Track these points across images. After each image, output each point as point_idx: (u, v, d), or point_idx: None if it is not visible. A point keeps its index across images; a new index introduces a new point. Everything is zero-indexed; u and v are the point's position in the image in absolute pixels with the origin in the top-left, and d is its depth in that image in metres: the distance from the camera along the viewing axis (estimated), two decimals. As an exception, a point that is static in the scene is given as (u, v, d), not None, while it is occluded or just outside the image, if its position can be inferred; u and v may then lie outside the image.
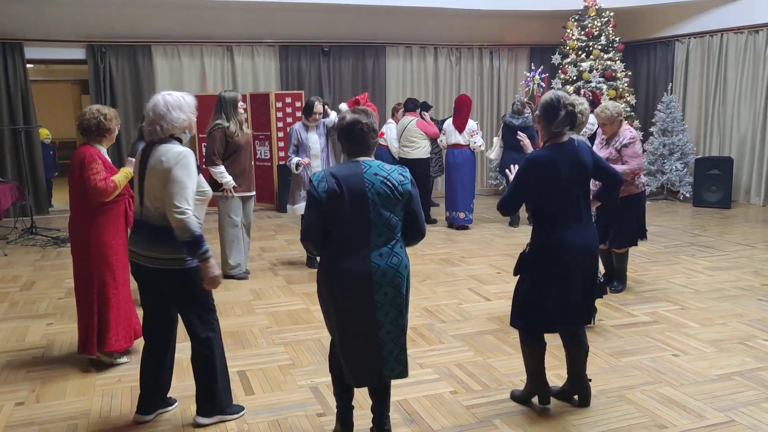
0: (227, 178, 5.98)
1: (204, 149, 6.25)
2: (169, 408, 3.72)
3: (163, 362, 3.58)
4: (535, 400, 3.70)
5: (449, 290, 5.93)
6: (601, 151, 5.41)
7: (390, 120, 9.26)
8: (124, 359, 4.47)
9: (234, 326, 5.07)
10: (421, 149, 9.12)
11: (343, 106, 6.34)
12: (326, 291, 3.05)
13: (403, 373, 3.11)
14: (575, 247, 3.41)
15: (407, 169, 3.12)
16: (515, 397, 3.76)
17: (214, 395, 3.53)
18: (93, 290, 4.27)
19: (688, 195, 10.48)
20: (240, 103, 6.15)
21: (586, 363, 3.67)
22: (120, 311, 4.36)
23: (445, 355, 4.45)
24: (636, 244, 5.67)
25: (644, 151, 10.77)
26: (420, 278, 6.33)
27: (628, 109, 11.02)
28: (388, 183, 2.96)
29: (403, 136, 9.28)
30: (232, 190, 6.04)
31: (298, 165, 6.47)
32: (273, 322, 5.17)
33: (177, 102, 3.36)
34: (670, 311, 5.29)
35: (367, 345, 3.02)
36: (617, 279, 5.77)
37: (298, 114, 10.57)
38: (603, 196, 3.94)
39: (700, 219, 9.23)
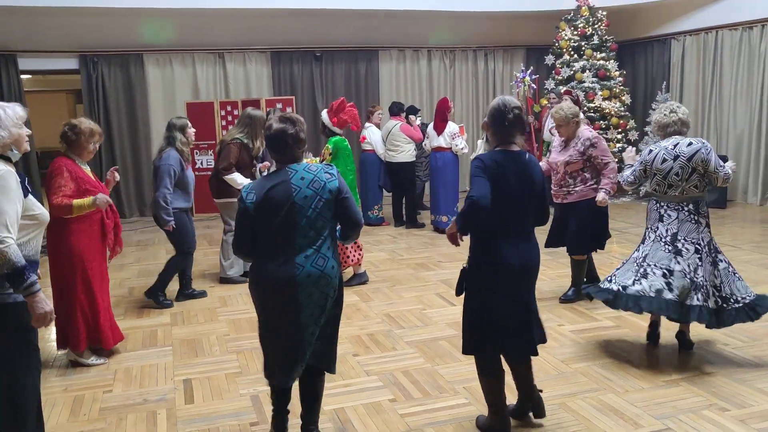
0: (247, 181, 6.02)
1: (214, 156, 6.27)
2: None
3: None
4: None
5: (417, 295, 5.89)
6: (560, 154, 5.33)
7: (368, 123, 9.22)
8: (101, 360, 4.55)
9: (193, 334, 5.09)
10: (406, 153, 9.09)
11: (324, 114, 6.33)
12: (255, 293, 3.14)
13: (328, 364, 3.24)
14: (515, 264, 3.21)
15: (334, 167, 3.20)
16: (479, 425, 3.50)
17: None
18: (66, 293, 4.37)
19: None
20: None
21: (532, 375, 3.49)
22: (88, 315, 4.43)
23: (394, 362, 4.41)
24: (595, 251, 5.57)
25: (639, 151, 10.60)
26: (390, 284, 6.31)
27: (623, 108, 10.90)
28: (314, 184, 3.04)
29: (388, 140, 9.26)
30: None
31: (260, 170, 6.47)
32: (233, 329, 5.17)
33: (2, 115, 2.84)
34: (636, 316, 5.16)
35: (291, 344, 3.08)
36: (572, 287, 5.60)
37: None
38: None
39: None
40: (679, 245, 4.16)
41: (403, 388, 4.00)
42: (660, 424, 3.46)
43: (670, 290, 4.07)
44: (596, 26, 10.91)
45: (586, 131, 5.28)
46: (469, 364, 4.18)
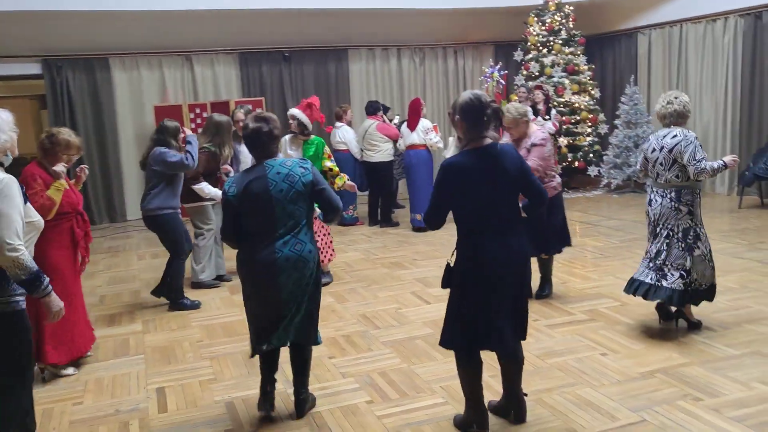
0: (215, 190, 5.98)
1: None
2: None
3: None
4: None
5: (392, 295, 5.86)
6: None
7: (338, 123, 9.16)
8: (69, 371, 4.45)
9: (165, 341, 5.01)
10: (383, 152, 9.06)
11: (296, 111, 6.26)
12: (241, 273, 3.55)
13: (309, 341, 3.60)
14: (497, 259, 3.17)
15: (308, 161, 3.53)
16: (456, 423, 3.49)
17: None
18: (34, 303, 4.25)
19: (654, 187, 10.40)
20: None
21: (520, 376, 3.45)
22: (56, 325, 4.32)
23: (370, 363, 4.38)
24: (560, 251, 5.51)
25: (610, 144, 10.72)
26: (365, 284, 6.27)
27: (592, 102, 10.99)
28: (289, 178, 3.39)
29: (365, 140, 9.22)
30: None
31: (225, 174, 6.35)
32: (206, 335, 5.10)
33: None
34: (610, 308, 5.23)
35: (273, 318, 3.47)
36: (543, 284, 5.61)
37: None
38: (527, 211, 3.53)
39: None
40: (657, 229, 4.53)
41: (380, 390, 3.97)
42: (636, 417, 3.47)
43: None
44: (564, 21, 11.00)
45: (538, 132, 5.16)
46: (446, 363, 4.20)
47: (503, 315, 3.24)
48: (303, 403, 3.65)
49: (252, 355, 3.60)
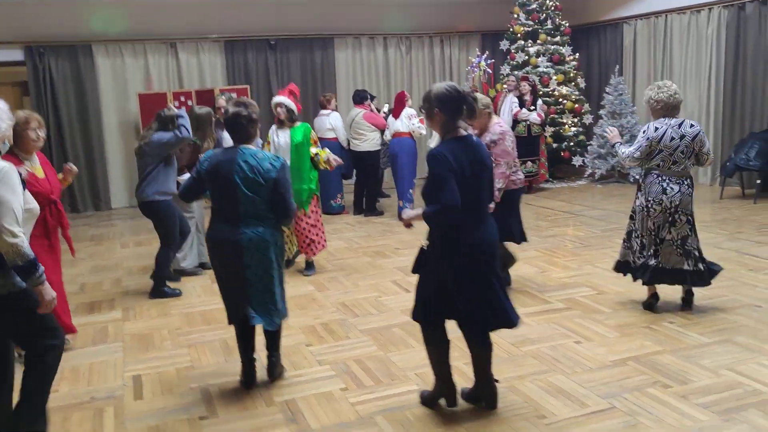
0: None
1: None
2: None
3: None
4: (444, 402, 3.55)
5: (373, 283, 5.89)
6: None
7: (325, 111, 9.11)
8: None
9: (145, 329, 5.02)
10: (370, 141, 9.07)
11: (283, 99, 6.24)
12: (210, 253, 3.81)
13: (269, 324, 3.78)
14: (474, 246, 3.26)
15: (281, 160, 3.67)
16: (423, 398, 3.59)
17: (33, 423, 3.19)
18: None
19: (638, 177, 10.45)
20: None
21: (490, 362, 3.49)
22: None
23: (347, 351, 4.41)
24: (517, 243, 5.44)
25: (594, 134, 10.76)
26: (346, 272, 6.29)
27: (577, 92, 11.02)
28: (255, 170, 3.57)
29: (351, 128, 9.22)
30: None
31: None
32: (185, 323, 5.11)
33: None
34: (587, 296, 5.28)
35: (239, 295, 3.72)
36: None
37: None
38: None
39: (646, 201, 9.21)
40: (676, 216, 4.65)
41: (355, 377, 4.00)
42: (606, 404, 3.52)
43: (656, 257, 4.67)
44: (549, 11, 11.01)
45: (496, 126, 5.11)
46: (422, 350, 4.17)
47: (475, 298, 3.32)
48: (274, 365, 3.92)
49: (237, 336, 3.88)
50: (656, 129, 4.58)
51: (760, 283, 5.35)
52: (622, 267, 4.97)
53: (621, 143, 4.90)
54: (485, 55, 10.99)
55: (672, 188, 4.62)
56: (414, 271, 3.45)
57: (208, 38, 10.84)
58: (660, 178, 4.65)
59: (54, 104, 10.15)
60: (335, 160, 6.19)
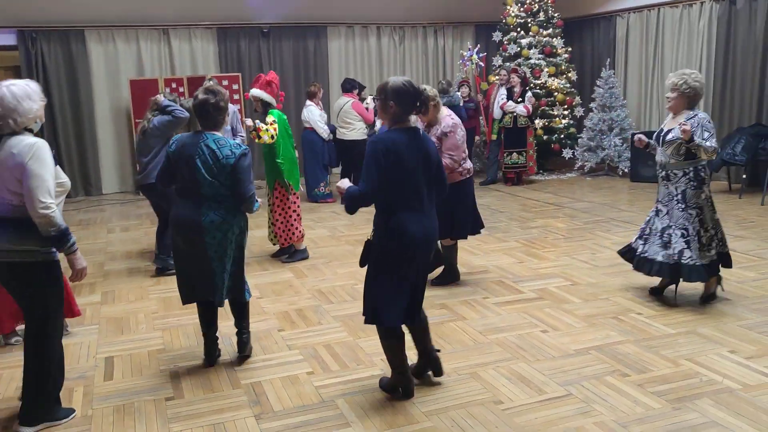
0: None
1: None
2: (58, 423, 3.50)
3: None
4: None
5: (351, 271, 5.94)
6: None
7: (309, 102, 9.13)
8: (14, 339, 4.50)
9: (121, 312, 5.09)
10: (357, 130, 9.13)
11: (256, 92, 6.27)
12: (173, 231, 3.89)
13: (240, 296, 4.00)
14: (416, 235, 3.32)
15: (242, 147, 3.79)
16: (382, 385, 3.68)
17: (46, 402, 3.40)
18: None
19: (626, 170, 10.52)
20: None
21: (428, 334, 3.68)
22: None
23: (318, 336, 4.48)
24: (465, 237, 5.37)
25: (585, 127, 10.78)
26: (326, 260, 6.36)
27: (568, 85, 11.04)
28: (213, 155, 3.70)
29: (339, 116, 9.27)
30: None
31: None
32: (162, 307, 5.18)
33: (25, 92, 3.22)
34: (560, 287, 5.34)
35: (201, 272, 3.84)
36: (446, 272, 5.45)
37: (236, 97, 10.53)
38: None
39: (632, 194, 9.27)
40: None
41: (322, 361, 4.08)
42: (563, 390, 3.59)
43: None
44: (542, 3, 11.01)
45: (447, 118, 5.01)
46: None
47: (417, 288, 3.44)
48: (245, 342, 4.08)
49: (184, 302, 3.99)
50: (710, 120, 4.58)
51: (732, 276, 5.39)
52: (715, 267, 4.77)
53: (686, 168, 4.62)
54: (477, 48, 11.00)
55: (706, 180, 4.67)
56: (362, 264, 3.50)
57: (200, 25, 10.86)
58: (705, 170, 4.66)
59: (46, 89, 10.16)
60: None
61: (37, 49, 10.07)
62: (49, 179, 3.12)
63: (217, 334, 4.11)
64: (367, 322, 3.49)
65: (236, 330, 4.12)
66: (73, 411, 3.55)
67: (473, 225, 5.37)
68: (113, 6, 10.27)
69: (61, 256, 3.31)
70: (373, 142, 3.31)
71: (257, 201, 3.86)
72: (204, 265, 3.81)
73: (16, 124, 3.18)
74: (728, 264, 4.85)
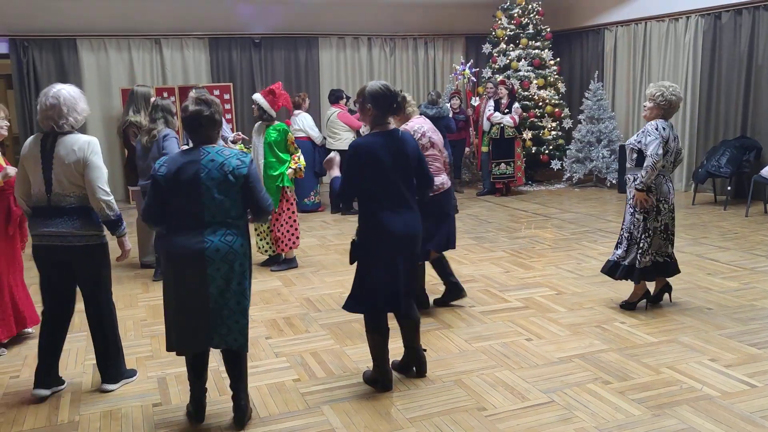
0: None
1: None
2: (62, 387, 3.92)
3: (62, 336, 3.88)
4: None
5: (339, 280, 5.99)
6: None
7: (298, 111, 9.20)
8: (1, 350, 4.53)
9: (110, 319, 5.10)
10: (344, 141, 9.18)
11: (257, 96, 6.35)
12: (165, 265, 3.33)
13: (241, 345, 3.34)
14: (396, 231, 3.56)
15: (248, 156, 3.38)
16: (366, 378, 3.90)
17: (118, 362, 3.93)
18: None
19: (614, 181, 10.63)
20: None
21: (418, 333, 3.87)
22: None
23: (305, 344, 4.52)
24: (440, 252, 5.05)
25: (573, 139, 10.89)
26: (315, 269, 6.40)
27: (557, 97, 11.16)
28: (222, 169, 3.22)
29: (327, 127, 9.35)
30: None
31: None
32: (150, 314, 5.21)
33: (79, 93, 3.68)
34: (545, 296, 5.40)
35: (197, 315, 3.26)
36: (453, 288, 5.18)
37: (228, 107, 10.60)
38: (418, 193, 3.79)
39: (620, 205, 9.35)
40: (673, 213, 4.94)
41: (309, 369, 4.12)
42: (545, 398, 3.64)
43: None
44: (532, 16, 11.15)
45: (413, 122, 4.84)
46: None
47: (401, 280, 3.62)
48: (243, 409, 3.40)
49: (187, 366, 3.45)
50: (664, 129, 4.70)
51: (714, 287, 5.49)
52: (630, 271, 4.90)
53: (636, 174, 4.73)
54: (470, 64, 11.12)
55: (670, 186, 4.84)
56: (351, 262, 3.75)
57: (192, 35, 10.92)
58: (665, 178, 4.80)
59: (37, 97, 10.19)
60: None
61: (29, 57, 10.11)
62: (105, 170, 3.64)
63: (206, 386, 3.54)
64: (345, 308, 3.74)
65: (232, 393, 3.43)
66: (136, 372, 4.07)
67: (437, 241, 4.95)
68: (105, 15, 10.34)
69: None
70: (350, 146, 3.61)
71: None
72: (203, 303, 3.23)
73: (77, 122, 3.62)
74: (665, 273, 4.97)
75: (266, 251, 6.48)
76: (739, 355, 4.14)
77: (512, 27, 11.13)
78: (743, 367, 3.96)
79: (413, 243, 3.67)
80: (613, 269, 4.96)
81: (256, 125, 6.49)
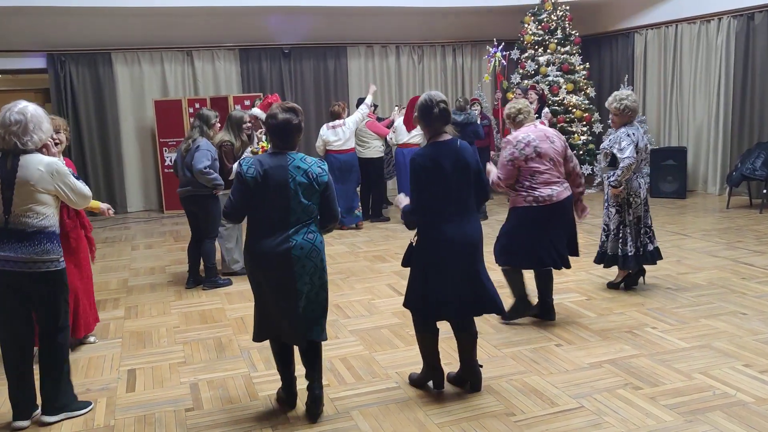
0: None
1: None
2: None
3: (29, 364, 3.62)
4: (432, 384, 3.88)
5: (368, 286, 6.03)
6: None
7: (337, 122, 8.74)
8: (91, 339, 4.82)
9: (144, 327, 5.22)
10: (373, 148, 9.22)
11: (256, 110, 6.45)
12: (252, 266, 3.50)
13: (321, 335, 3.57)
14: (455, 240, 3.58)
15: (325, 163, 3.57)
16: (412, 380, 3.93)
17: (66, 392, 3.70)
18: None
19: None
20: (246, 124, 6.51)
21: (475, 349, 3.83)
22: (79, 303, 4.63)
23: (335, 350, 4.55)
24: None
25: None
26: (344, 276, 6.45)
27: (587, 101, 11.07)
28: (308, 175, 3.41)
29: (356, 135, 9.38)
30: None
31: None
32: (183, 321, 5.30)
33: (44, 113, 3.51)
34: (575, 302, 5.37)
35: (289, 311, 3.45)
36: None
37: (258, 116, 10.73)
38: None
39: (652, 210, 9.19)
40: (646, 206, 5.45)
41: (338, 374, 4.15)
42: (575, 403, 3.62)
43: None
44: (560, 20, 11.09)
45: (520, 132, 4.79)
46: (405, 350, 4.41)
47: (454, 289, 3.64)
48: (318, 400, 3.57)
49: (274, 355, 3.68)
50: (634, 134, 5.21)
51: (749, 291, 5.39)
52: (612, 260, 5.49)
53: (612, 178, 5.26)
54: (501, 46, 11.03)
55: (640, 182, 5.31)
56: (404, 264, 3.81)
57: (223, 46, 11.11)
58: (635, 175, 5.28)
59: (74, 110, 10.49)
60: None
61: (65, 71, 10.39)
62: (80, 183, 3.65)
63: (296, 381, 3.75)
64: (405, 305, 3.80)
65: (307, 383, 3.60)
66: (90, 404, 3.81)
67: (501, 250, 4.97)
68: (138, 29, 10.58)
69: None
70: (411, 160, 3.61)
71: None
72: (291, 299, 3.43)
73: (40, 141, 3.46)
74: (643, 262, 5.45)
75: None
76: (775, 360, 4.07)
77: (540, 32, 11.08)
78: (778, 372, 3.89)
79: (471, 252, 3.66)
80: (600, 258, 5.55)
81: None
